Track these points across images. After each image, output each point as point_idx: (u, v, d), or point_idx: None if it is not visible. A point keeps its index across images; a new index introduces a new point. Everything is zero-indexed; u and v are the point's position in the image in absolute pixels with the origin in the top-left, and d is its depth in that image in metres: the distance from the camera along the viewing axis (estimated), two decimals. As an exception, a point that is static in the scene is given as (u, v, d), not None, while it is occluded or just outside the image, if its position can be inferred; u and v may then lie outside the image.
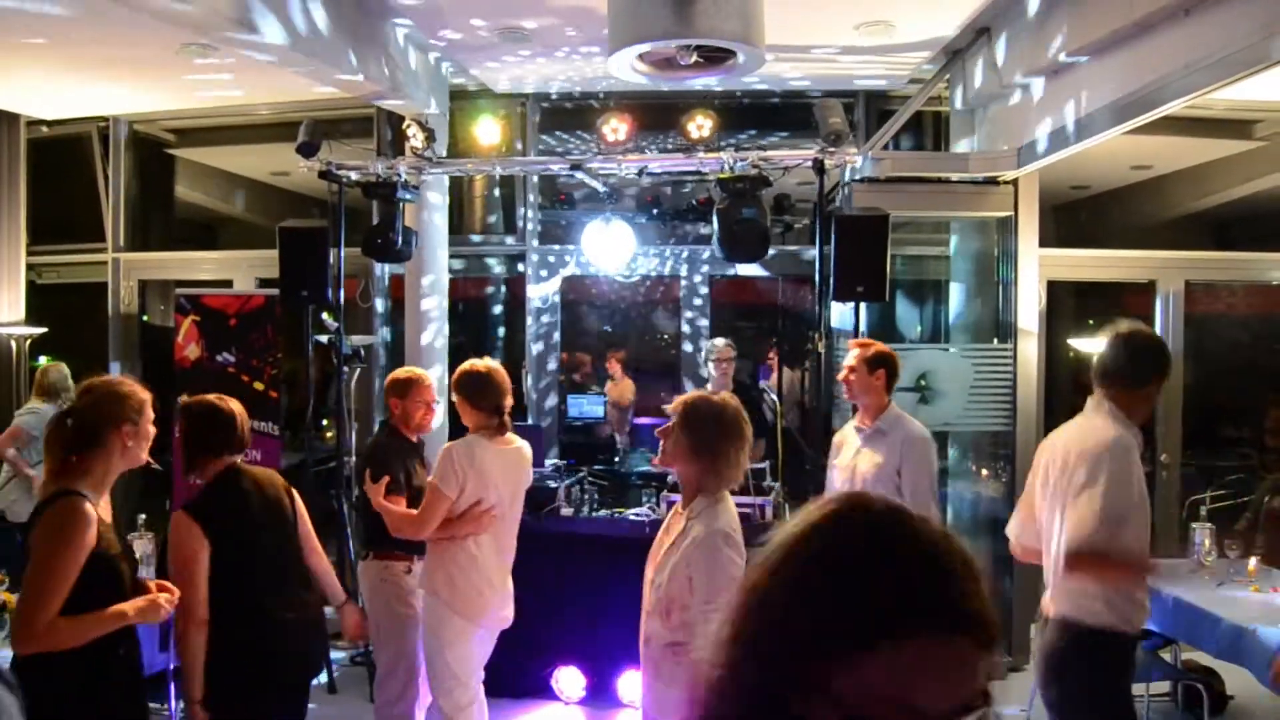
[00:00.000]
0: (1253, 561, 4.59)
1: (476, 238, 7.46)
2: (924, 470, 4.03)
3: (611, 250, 6.33)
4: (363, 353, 6.31)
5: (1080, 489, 3.01)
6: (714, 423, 2.82)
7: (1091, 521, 2.95)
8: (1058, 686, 3.17)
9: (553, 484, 5.31)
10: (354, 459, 6.34)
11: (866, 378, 4.10)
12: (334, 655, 5.62)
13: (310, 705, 4.86)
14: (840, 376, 4.20)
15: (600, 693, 5.16)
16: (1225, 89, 3.86)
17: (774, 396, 5.98)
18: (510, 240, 7.31)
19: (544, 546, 4.80)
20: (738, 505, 5.21)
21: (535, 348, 7.17)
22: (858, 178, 5.83)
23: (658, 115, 6.33)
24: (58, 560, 2.52)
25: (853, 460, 4.18)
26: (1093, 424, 3.14)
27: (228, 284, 7.16)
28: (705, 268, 7.18)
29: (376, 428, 6.14)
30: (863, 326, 5.48)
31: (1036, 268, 5.99)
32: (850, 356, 4.17)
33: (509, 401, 3.87)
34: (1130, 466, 3.01)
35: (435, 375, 6.55)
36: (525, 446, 4.00)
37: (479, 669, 3.89)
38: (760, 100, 7.02)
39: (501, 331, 8.23)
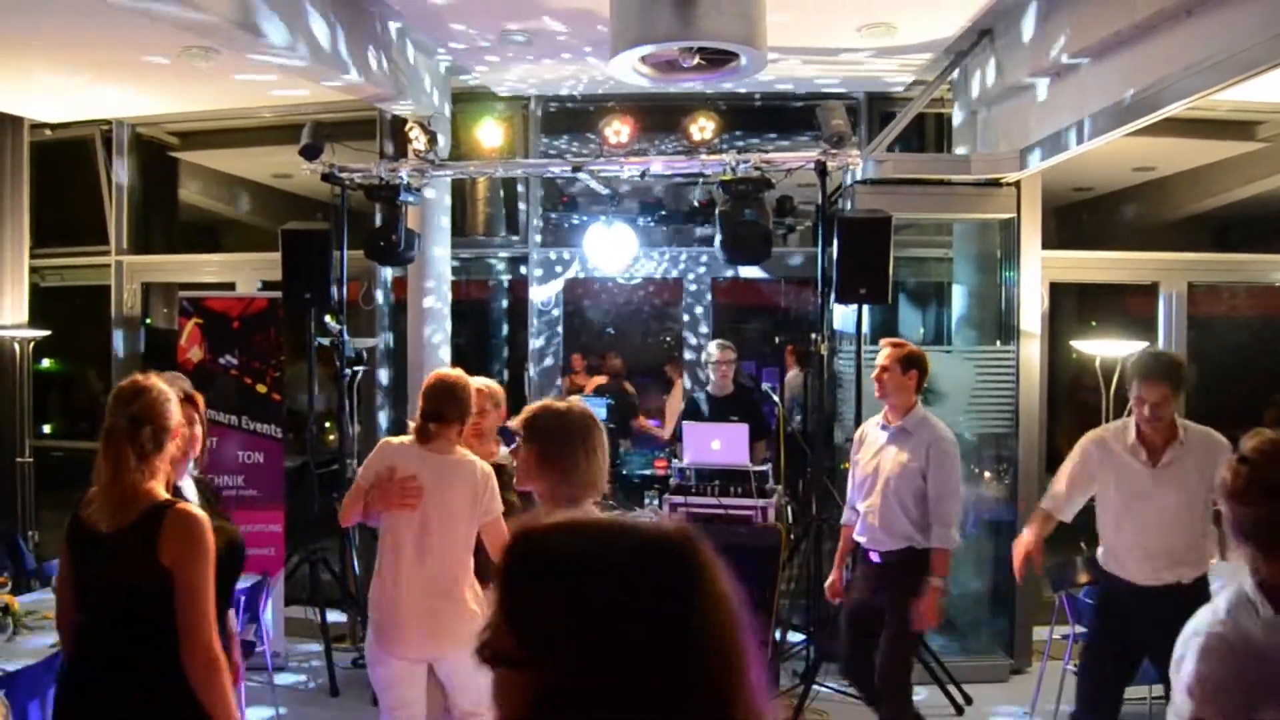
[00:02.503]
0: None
1: (479, 240, 7.47)
2: (950, 473, 4.11)
3: (613, 252, 6.33)
4: (365, 355, 6.32)
5: None
6: (558, 432, 2.61)
7: None
8: None
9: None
10: (355, 461, 6.34)
11: (900, 377, 4.16)
12: (335, 658, 5.63)
13: (311, 709, 4.90)
14: (874, 375, 4.26)
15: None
16: (1228, 90, 3.86)
17: (776, 399, 5.98)
18: (513, 242, 7.32)
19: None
20: (742, 507, 5.26)
21: (538, 350, 7.17)
22: (860, 180, 5.83)
23: (660, 117, 6.34)
24: (209, 574, 2.50)
25: (875, 458, 4.25)
26: None
27: (230, 286, 7.16)
28: (707, 270, 7.18)
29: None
30: (865, 329, 5.49)
31: (1039, 269, 5.98)
32: (883, 355, 4.22)
33: (447, 410, 3.59)
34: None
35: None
36: (471, 463, 3.60)
37: (400, 706, 3.56)
38: (763, 102, 7.02)
39: (504, 333, 8.25)
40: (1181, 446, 3.64)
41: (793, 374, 7.86)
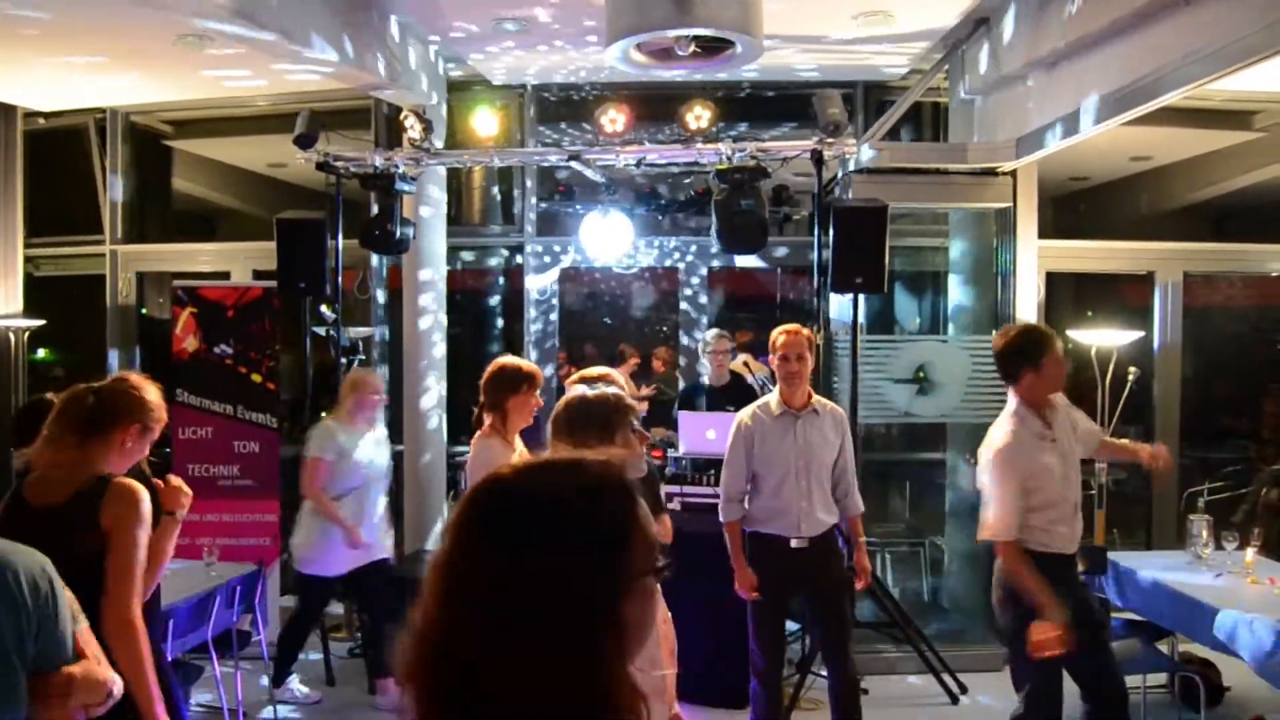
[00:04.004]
0: (1250, 553, 4.59)
1: (474, 229, 7.45)
2: (851, 444, 4.37)
3: (610, 242, 6.32)
4: (361, 344, 6.30)
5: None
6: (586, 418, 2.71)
7: None
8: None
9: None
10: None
11: (810, 362, 4.21)
12: (332, 648, 5.63)
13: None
14: (789, 367, 4.14)
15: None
16: (1225, 79, 3.85)
17: (773, 387, 5.98)
18: (509, 232, 7.30)
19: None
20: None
21: (534, 339, 7.16)
22: (856, 169, 5.82)
23: (656, 106, 6.32)
24: (141, 544, 2.56)
25: (784, 446, 4.16)
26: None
27: (225, 276, 7.15)
28: (703, 259, 7.17)
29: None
30: (861, 318, 5.49)
31: (1035, 259, 5.98)
32: (797, 344, 4.14)
33: (482, 399, 3.79)
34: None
35: (435, 367, 6.56)
36: (474, 442, 3.81)
37: None
38: (759, 91, 7.00)
39: (500, 323, 8.23)
40: (1056, 411, 3.82)
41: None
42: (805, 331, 4.24)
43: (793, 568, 4.16)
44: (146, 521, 2.59)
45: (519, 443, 3.82)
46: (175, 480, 2.96)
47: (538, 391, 3.85)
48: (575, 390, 2.82)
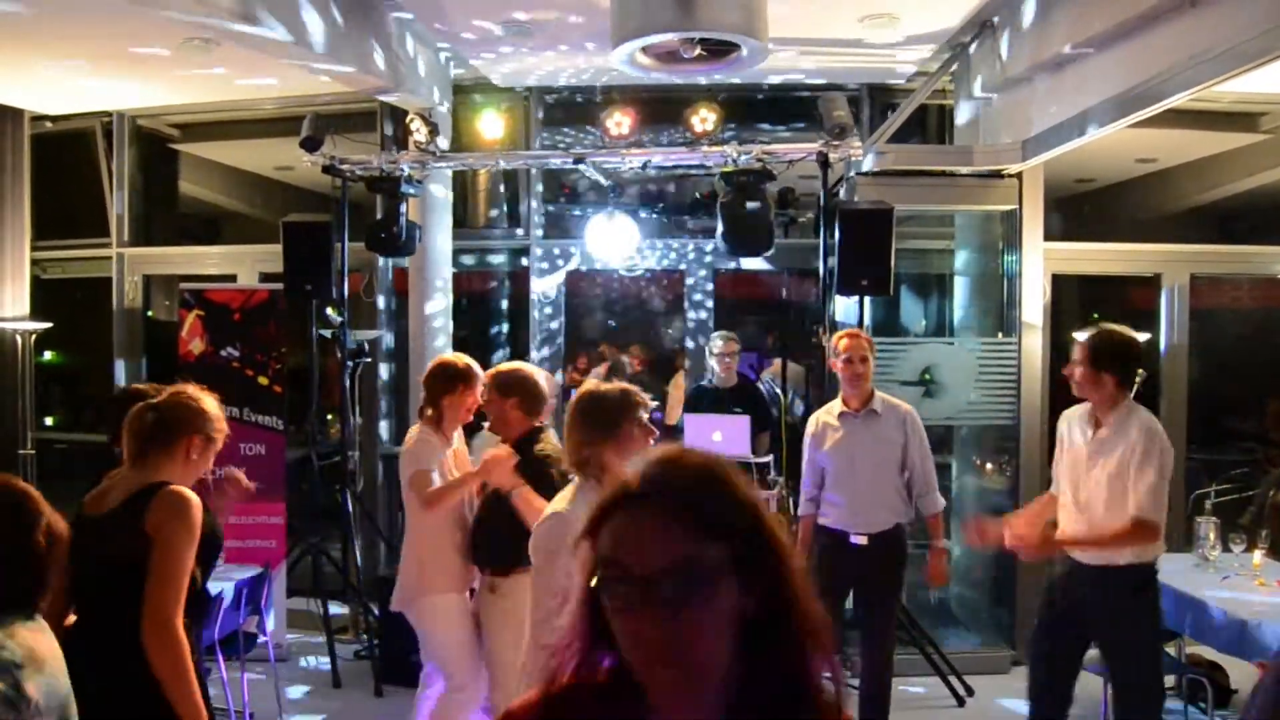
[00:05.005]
0: (1257, 555, 4.58)
1: (480, 232, 7.46)
2: (926, 442, 4.42)
3: (615, 244, 6.32)
4: (366, 347, 6.31)
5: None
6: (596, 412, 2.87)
7: None
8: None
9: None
10: (357, 453, 6.35)
11: (871, 364, 4.33)
12: (338, 650, 5.64)
13: (314, 700, 4.91)
14: (852, 370, 4.28)
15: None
16: (1231, 81, 3.84)
17: (778, 390, 5.98)
18: (514, 234, 7.30)
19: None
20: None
21: (539, 342, 7.16)
22: (862, 171, 5.82)
23: (661, 108, 6.32)
24: (183, 551, 2.53)
25: (846, 446, 4.33)
26: None
27: (232, 278, 7.16)
28: (709, 261, 7.17)
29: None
30: (867, 320, 5.48)
31: (1041, 261, 5.97)
32: (859, 346, 4.30)
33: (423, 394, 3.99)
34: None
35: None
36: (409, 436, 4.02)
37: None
38: (765, 93, 7.00)
39: (505, 326, 8.23)
40: (1118, 421, 3.59)
41: (793, 367, 7.76)
42: (865, 336, 4.42)
43: (851, 563, 4.30)
44: (192, 529, 2.56)
45: (458, 439, 4.02)
46: None
47: (477, 389, 3.88)
48: (589, 384, 3.01)
